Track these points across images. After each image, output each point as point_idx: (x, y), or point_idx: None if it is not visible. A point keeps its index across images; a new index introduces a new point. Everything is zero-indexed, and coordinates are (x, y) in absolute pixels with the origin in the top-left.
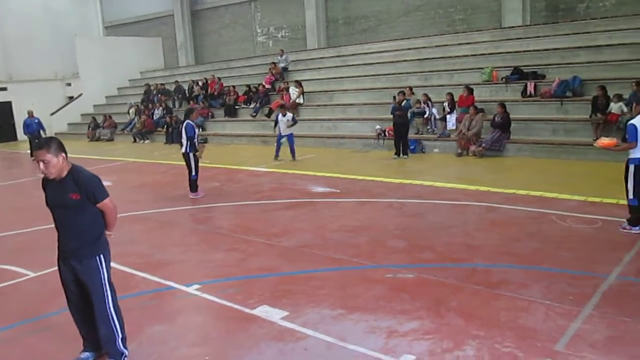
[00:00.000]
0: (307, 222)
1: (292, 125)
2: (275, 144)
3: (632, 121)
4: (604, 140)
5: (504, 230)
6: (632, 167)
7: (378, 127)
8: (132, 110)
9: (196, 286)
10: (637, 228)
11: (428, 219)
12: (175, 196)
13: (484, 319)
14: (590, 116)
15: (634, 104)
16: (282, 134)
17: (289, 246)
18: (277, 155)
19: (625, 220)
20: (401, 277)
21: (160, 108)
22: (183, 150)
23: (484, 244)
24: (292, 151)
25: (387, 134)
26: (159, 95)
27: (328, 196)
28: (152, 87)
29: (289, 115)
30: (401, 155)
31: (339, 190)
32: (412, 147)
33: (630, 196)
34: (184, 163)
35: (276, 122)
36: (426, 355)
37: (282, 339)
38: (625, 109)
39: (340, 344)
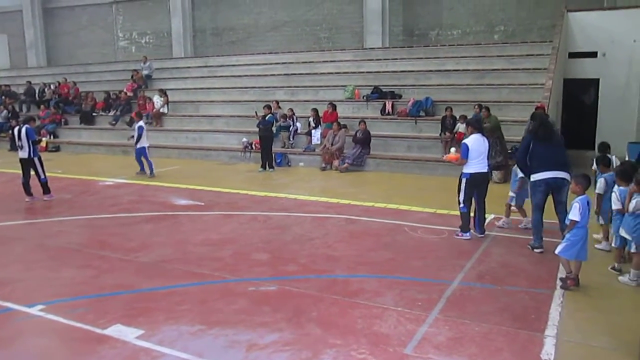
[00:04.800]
0: (167, 236)
1: (136, 137)
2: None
3: (465, 140)
4: (449, 155)
5: (362, 241)
6: (464, 180)
7: (245, 139)
8: None
9: (40, 306)
10: (468, 234)
11: (292, 232)
12: (19, 208)
13: (341, 328)
14: (440, 134)
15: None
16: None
17: (148, 261)
18: (142, 170)
19: (458, 228)
20: (264, 290)
21: (5, 111)
22: (25, 155)
23: (343, 254)
24: (149, 166)
25: (253, 146)
26: (4, 97)
27: (191, 209)
28: None
29: (136, 124)
30: (267, 168)
31: (203, 203)
32: (278, 161)
33: (461, 204)
34: (21, 169)
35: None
36: None
37: (136, 358)
38: None
39: None
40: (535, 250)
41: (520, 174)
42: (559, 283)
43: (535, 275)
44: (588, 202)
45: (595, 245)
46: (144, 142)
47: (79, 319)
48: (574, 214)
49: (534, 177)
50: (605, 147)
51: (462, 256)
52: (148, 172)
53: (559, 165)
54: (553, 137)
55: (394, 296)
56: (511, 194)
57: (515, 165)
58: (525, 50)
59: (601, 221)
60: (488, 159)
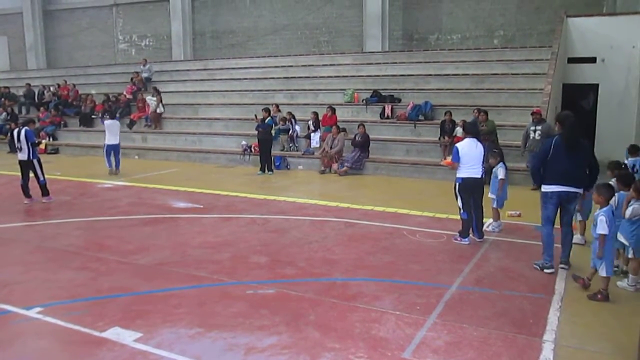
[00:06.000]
0: (166, 238)
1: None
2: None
3: (457, 144)
4: (447, 159)
5: (361, 244)
6: (457, 185)
7: (244, 142)
8: None
9: (38, 309)
10: (467, 239)
11: (290, 235)
12: (17, 210)
13: (339, 331)
14: (439, 138)
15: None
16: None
17: (146, 264)
18: (115, 169)
19: (457, 232)
20: (262, 293)
21: (5, 113)
22: (25, 157)
23: (342, 258)
24: (107, 162)
25: (252, 149)
26: (3, 99)
27: (190, 212)
28: None
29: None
30: (266, 171)
31: (201, 206)
32: (277, 164)
33: (461, 210)
34: (20, 170)
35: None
36: None
37: None
38: None
39: None
40: (546, 271)
41: (501, 176)
42: (561, 290)
43: (534, 280)
44: (612, 213)
45: (574, 241)
46: (107, 139)
47: (76, 322)
48: (602, 228)
49: (546, 188)
50: (636, 149)
51: (460, 260)
52: (109, 168)
53: (574, 180)
54: (580, 146)
55: (393, 300)
56: (491, 196)
57: (496, 167)
58: (524, 55)
59: (580, 217)
60: (483, 163)
